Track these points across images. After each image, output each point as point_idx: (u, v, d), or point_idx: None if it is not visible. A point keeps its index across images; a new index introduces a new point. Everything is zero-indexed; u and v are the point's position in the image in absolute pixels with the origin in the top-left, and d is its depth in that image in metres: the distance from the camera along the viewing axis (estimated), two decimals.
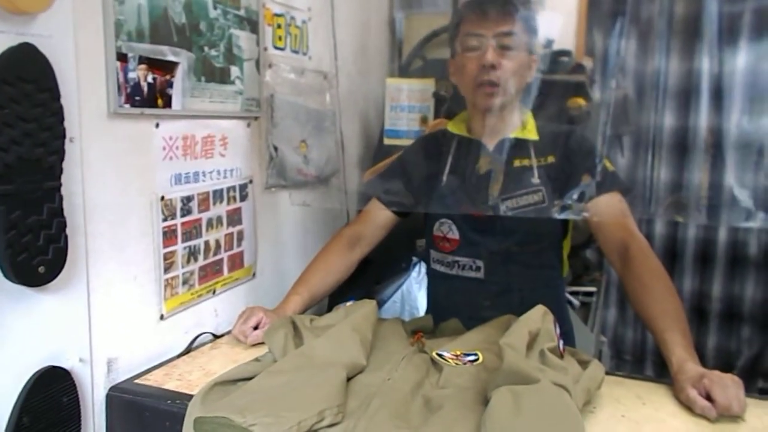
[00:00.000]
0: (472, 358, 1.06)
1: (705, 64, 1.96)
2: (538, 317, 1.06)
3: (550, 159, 1.28)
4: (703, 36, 1.96)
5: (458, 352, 1.08)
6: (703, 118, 1.95)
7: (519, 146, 1.30)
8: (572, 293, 2.07)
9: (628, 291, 1.18)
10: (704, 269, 2.17)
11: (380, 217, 1.43)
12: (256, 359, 1.09)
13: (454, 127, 1.39)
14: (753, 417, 0.96)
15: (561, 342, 1.06)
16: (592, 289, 2.12)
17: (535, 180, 1.26)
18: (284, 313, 1.25)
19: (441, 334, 1.25)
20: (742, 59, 1.66)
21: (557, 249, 1.36)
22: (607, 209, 1.22)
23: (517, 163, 1.29)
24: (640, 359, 2.31)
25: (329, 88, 1.77)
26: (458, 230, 1.33)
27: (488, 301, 1.27)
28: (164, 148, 1.20)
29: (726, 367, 2.19)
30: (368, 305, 1.17)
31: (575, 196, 1.18)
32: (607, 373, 1.11)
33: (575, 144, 1.29)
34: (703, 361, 2.33)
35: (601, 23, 2.01)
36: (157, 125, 1.18)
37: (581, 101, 2.00)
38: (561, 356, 0.99)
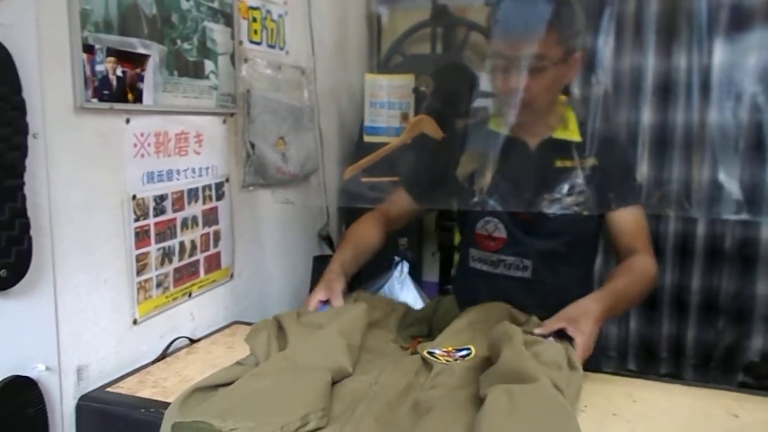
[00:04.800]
0: (464, 353, 1.03)
1: (683, 60, 1.96)
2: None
3: (592, 161, 1.28)
4: (681, 32, 1.95)
5: (450, 348, 1.05)
6: (686, 114, 1.95)
7: (562, 147, 1.29)
8: None
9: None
10: (684, 263, 2.17)
11: (406, 207, 1.44)
12: (238, 362, 1.04)
13: (495, 125, 1.35)
14: (743, 412, 0.95)
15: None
16: None
17: (580, 181, 1.26)
18: (334, 280, 1.23)
19: (437, 323, 1.23)
20: (721, 53, 1.66)
21: (595, 245, 1.39)
22: (631, 218, 1.29)
23: (559, 164, 1.29)
24: (623, 354, 2.30)
25: (307, 83, 1.73)
26: (505, 229, 1.32)
27: (534, 300, 1.25)
28: (135, 145, 1.15)
29: (705, 358, 2.20)
30: (358, 308, 1.13)
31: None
32: (596, 371, 1.09)
33: (614, 149, 1.32)
34: (683, 352, 2.32)
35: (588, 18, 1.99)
36: (128, 121, 1.13)
37: (562, 96, 1.98)
38: None
